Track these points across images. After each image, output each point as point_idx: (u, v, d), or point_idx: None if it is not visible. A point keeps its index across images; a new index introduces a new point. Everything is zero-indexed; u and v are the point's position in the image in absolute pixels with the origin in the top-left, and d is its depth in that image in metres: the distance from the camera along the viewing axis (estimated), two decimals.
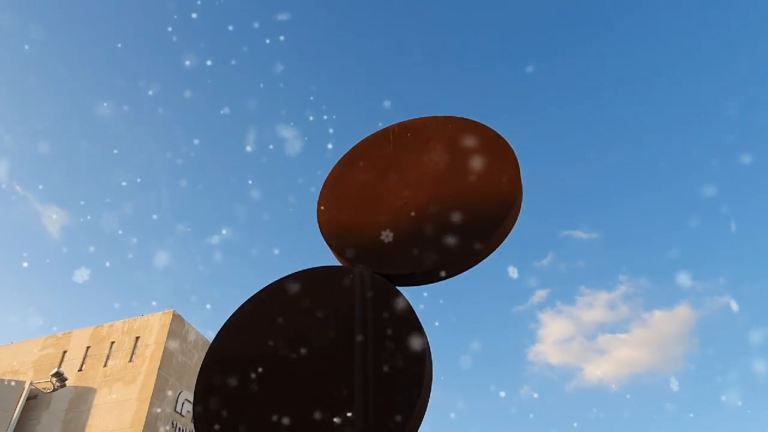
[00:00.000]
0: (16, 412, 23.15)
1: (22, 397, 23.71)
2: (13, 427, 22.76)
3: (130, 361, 35.78)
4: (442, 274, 4.11)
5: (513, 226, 4.10)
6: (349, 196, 4.60)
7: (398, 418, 8.31)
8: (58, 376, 24.04)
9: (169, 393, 34.58)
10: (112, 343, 37.45)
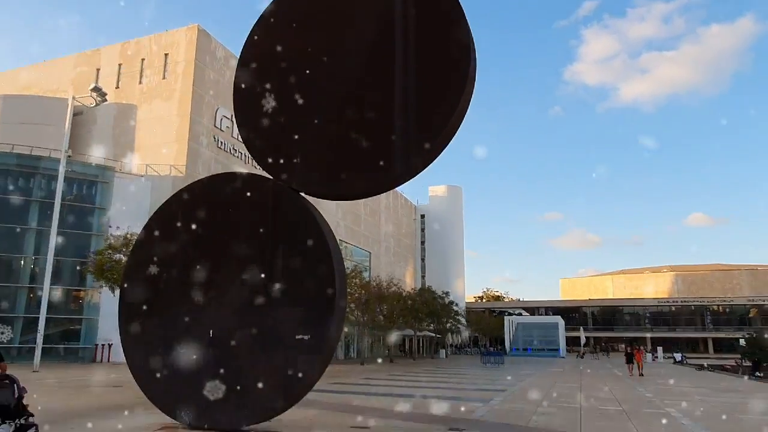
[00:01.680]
0: (67, 126, 24.65)
1: (69, 112, 24.94)
2: (67, 141, 24.54)
3: (164, 78, 36.47)
4: None
5: None
6: None
7: (439, 114, 8.30)
8: (97, 90, 24.77)
9: (207, 108, 36.04)
10: (143, 60, 37.64)
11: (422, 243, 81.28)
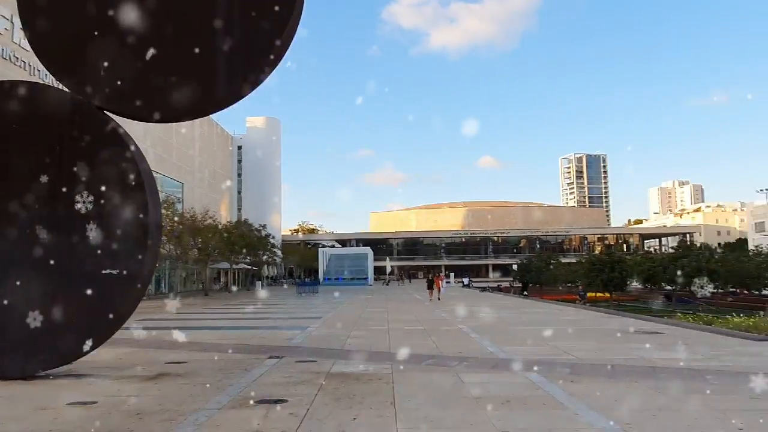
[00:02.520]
0: None
1: None
2: None
3: None
4: None
5: None
6: None
7: (268, 35, 7.96)
8: None
9: None
10: None
11: (239, 175, 78.70)
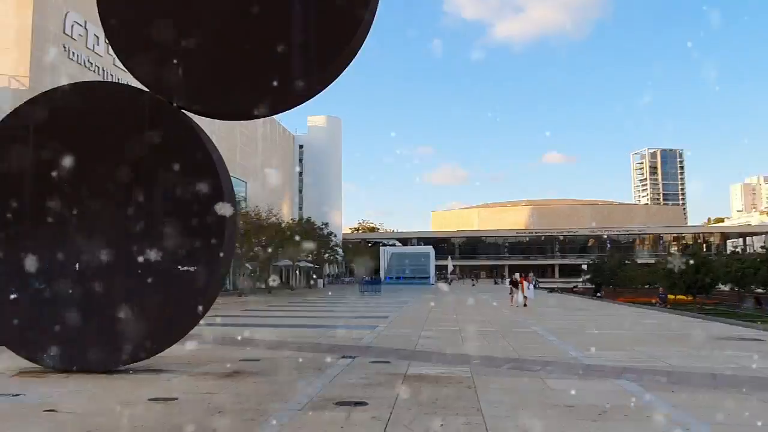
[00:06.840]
0: None
1: None
2: None
3: None
4: None
5: None
6: None
7: (343, 30, 7.46)
8: None
9: (54, 11, 30.94)
10: None
11: (300, 174, 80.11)
